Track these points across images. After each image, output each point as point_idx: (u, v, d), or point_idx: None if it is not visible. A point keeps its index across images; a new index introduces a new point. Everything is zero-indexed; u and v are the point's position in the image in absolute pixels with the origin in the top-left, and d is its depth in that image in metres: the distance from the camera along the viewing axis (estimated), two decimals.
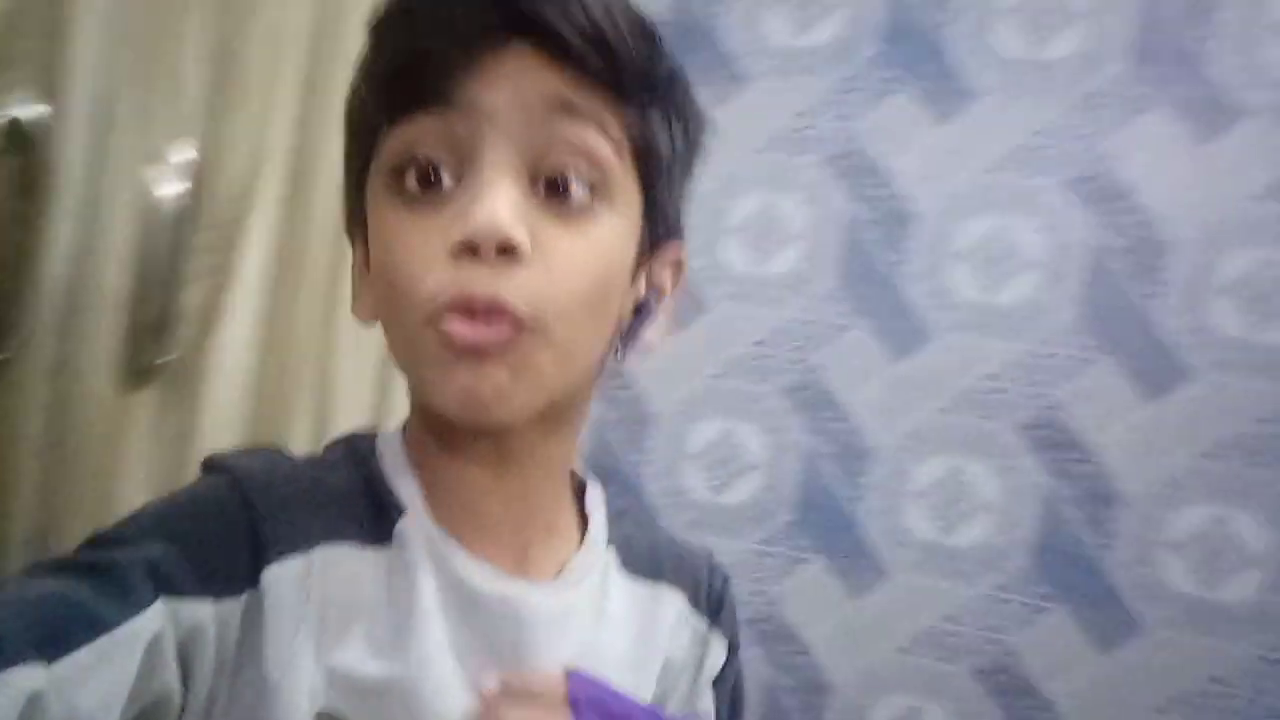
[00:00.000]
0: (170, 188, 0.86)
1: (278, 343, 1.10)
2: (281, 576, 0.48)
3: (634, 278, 0.54)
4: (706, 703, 0.64)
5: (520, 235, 0.46)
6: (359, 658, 0.49)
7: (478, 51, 0.47)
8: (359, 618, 0.50)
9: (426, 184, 0.48)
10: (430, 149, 0.48)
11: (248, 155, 1.00)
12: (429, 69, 0.47)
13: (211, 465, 0.52)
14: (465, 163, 0.48)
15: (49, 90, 0.78)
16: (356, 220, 0.54)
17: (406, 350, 0.50)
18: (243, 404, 1.06)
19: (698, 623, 0.64)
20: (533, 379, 0.48)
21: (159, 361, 0.95)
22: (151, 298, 0.91)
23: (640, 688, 0.58)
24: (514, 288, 0.47)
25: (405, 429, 0.58)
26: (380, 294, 0.51)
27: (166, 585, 0.44)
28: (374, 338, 0.56)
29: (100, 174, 0.83)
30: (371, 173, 0.51)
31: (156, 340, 0.94)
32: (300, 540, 0.49)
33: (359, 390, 1.22)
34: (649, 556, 0.63)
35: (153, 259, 0.88)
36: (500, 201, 0.46)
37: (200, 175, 0.93)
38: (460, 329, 0.46)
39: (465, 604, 0.52)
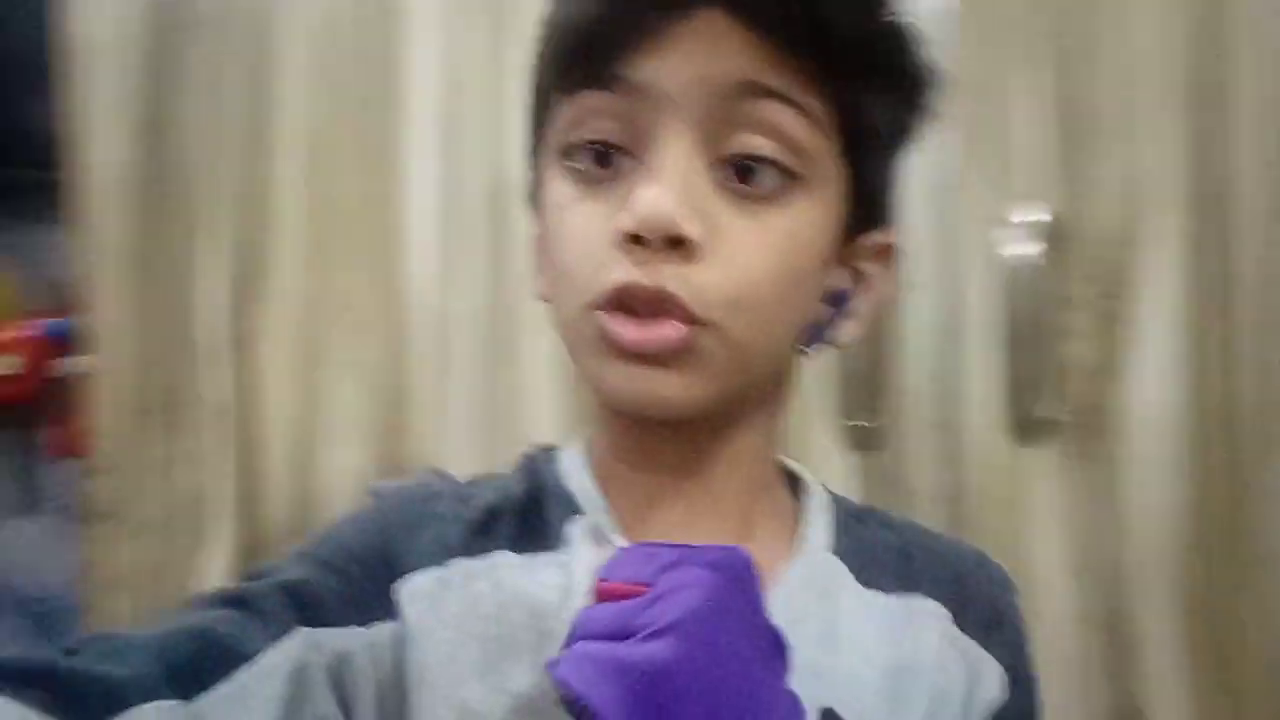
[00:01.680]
0: (1025, 247, 0.98)
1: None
2: (413, 594, 0.46)
3: (832, 265, 0.49)
4: None
5: (691, 227, 0.42)
6: (521, 674, 0.43)
7: (657, 24, 0.43)
8: (525, 630, 0.45)
9: (599, 162, 0.45)
10: (603, 127, 0.45)
11: (1118, 200, 1.02)
12: (602, 44, 0.43)
13: (372, 493, 0.54)
14: (640, 141, 0.44)
15: None
16: (535, 191, 0.51)
17: (569, 333, 0.47)
18: (1169, 456, 1.02)
19: (966, 645, 0.50)
20: (703, 378, 0.45)
21: (1049, 416, 1.03)
22: (1023, 356, 1.02)
23: None
24: (684, 282, 0.43)
25: (591, 436, 0.55)
26: (550, 272, 0.49)
27: (309, 608, 0.43)
28: None
29: (950, 241, 0.99)
30: (545, 144, 0.48)
31: (1039, 396, 1.04)
32: (437, 553, 0.47)
33: None
34: (899, 563, 0.53)
35: (1018, 318, 0.99)
36: (669, 189, 0.42)
37: (1061, 229, 1.01)
38: (622, 329, 0.43)
39: None
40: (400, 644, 0.44)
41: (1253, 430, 1.05)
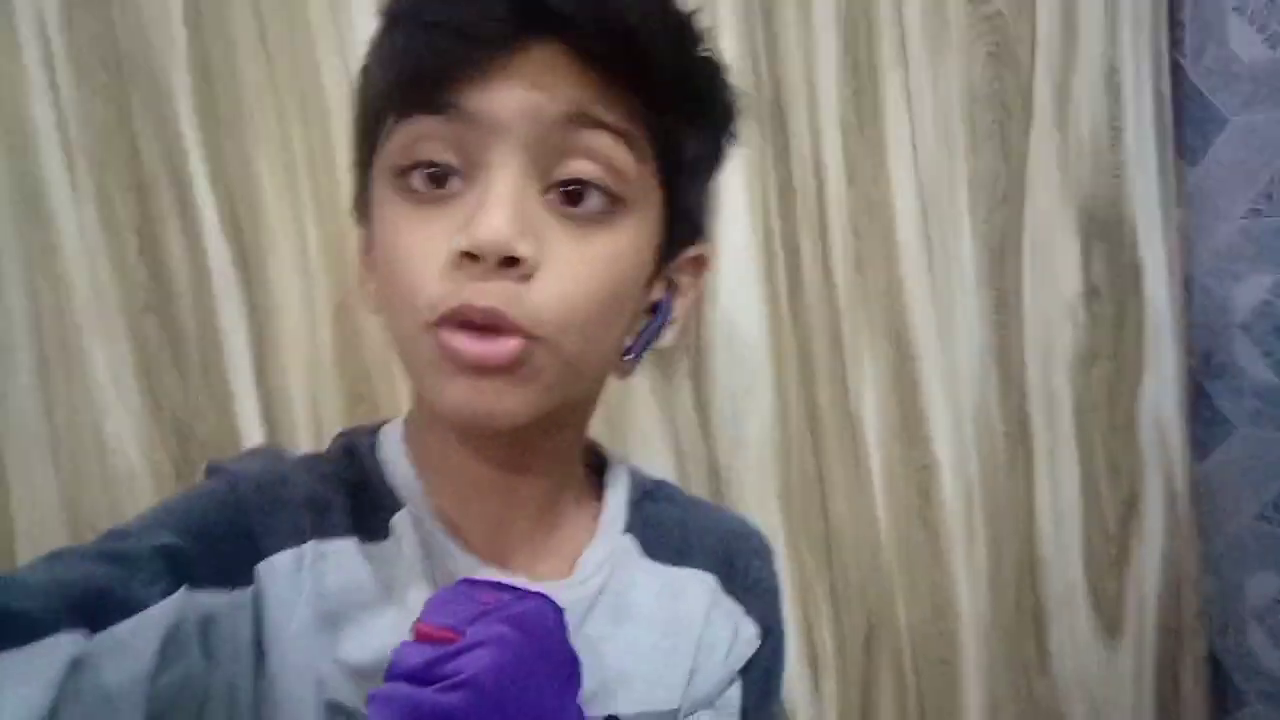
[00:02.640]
0: None
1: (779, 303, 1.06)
2: (274, 570, 0.48)
3: (651, 280, 0.52)
4: (733, 692, 0.59)
5: (525, 248, 0.44)
6: (360, 649, 0.48)
7: (490, 56, 0.44)
8: (357, 610, 0.49)
9: (433, 183, 0.46)
10: (436, 151, 0.46)
11: None
12: (438, 72, 0.44)
13: (211, 470, 0.53)
14: (474, 164, 0.46)
15: None
16: (362, 202, 0.52)
17: (405, 351, 0.49)
18: (751, 363, 1.08)
19: (731, 606, 0.59)
20: (536, 390, 0.46)
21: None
22: None
23: (672, 683, 0.54)
24: (518, 300, 0.44)
25: (407, 421, 0.57)
26: (382, 288, 0.50)
27: (183, 573, 0.44)
28: None
29: None
30: (377, 162, 0.49)
31: None
32: (291, 536, 0.49)
33: None
34: (678, 537, 0.59)
35: None
36: (505, 211, 0.44)
37: None
38: (461, 344, 0.45)
39: None
40: (258, 612, 0.47)
41: (820, 322, 1.14)
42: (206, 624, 0.45)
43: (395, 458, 0.55)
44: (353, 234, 0.57)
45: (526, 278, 0.45)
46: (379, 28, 0.48)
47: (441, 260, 0.45)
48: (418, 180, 0.46)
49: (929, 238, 1.17)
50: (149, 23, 0.89)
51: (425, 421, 0.54)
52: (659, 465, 1.08)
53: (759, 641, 0.60)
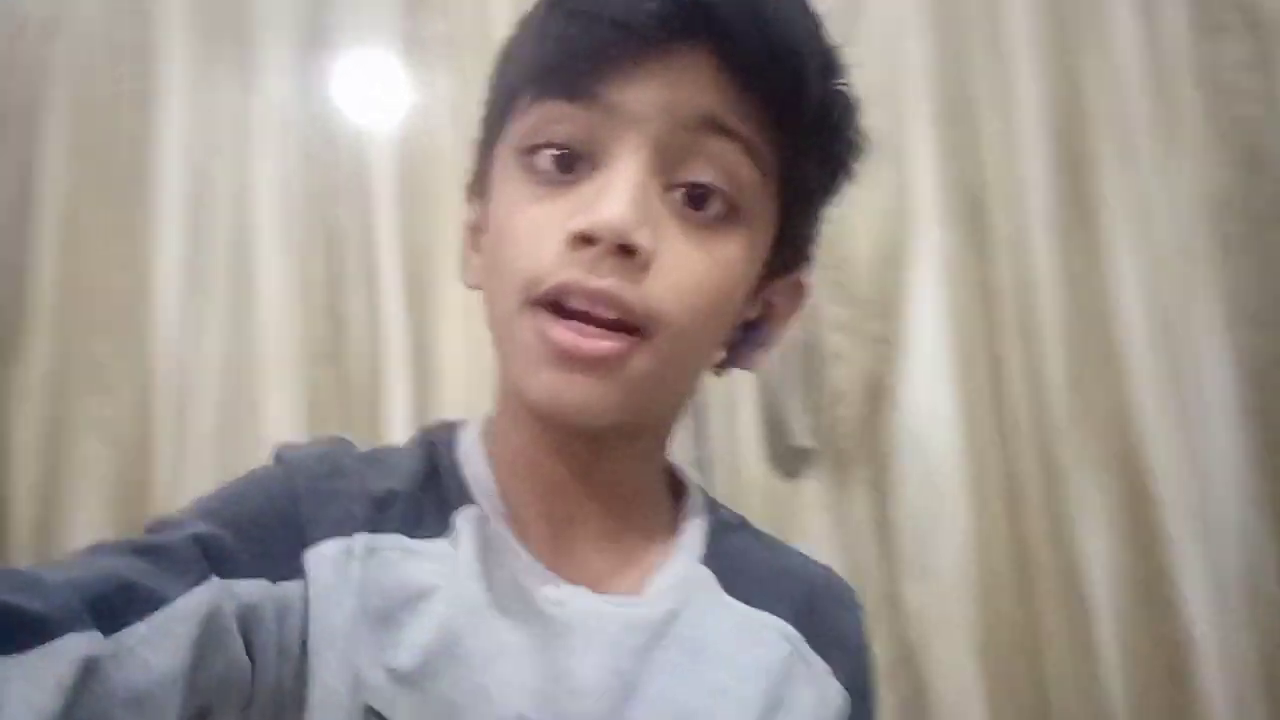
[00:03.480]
0: None
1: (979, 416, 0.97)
2: (321, 558, 0.47)
3: (752, 296, 0.52)
4: None
5: (643, 238, 0.44)
6: (402, 652, 0.46)
7: (639, 51, 0.44)
8: (403, 611, 0.47)
9: (560, 165, 0.46)
10: (568, 135, 0.46)
11: (887, 215, 1.00)
12: (583, 61, 0.45)
13: (276, 455, 0.52)
14: (602, 152, 0.46)
15: None
16: (479, 181, 0.53)
17: (502, 328, 0.48)
18: (943, 482, 0.97)
19: (815, 663, 0.53)
20: (628, 389, 0.46)
21: (808, 445, 0.99)
22: (777, 394, 0.98)
23: None
24: (630, 288, 0.44)
25: (488, 419, 0.56)
26: (489, 263, 0.49)
27: (220, 562, 0.43)
28: None
29: None
30: (504, 138, 0.49)
31: (801, 425, 0.99)
32: (341, 526, 0.48)
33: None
34: (760, 578, 0.55)
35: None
36: (628, 199, 0.44)
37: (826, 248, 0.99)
38: (559, 334, 0.44)
39: (521, 609, 0.48)
40: (306, 605, 0.45)
41: (1029, 442, 0.98)
42: (248, 616, 0.43)
43: (472, 454, 0.53)
44: None
45: (640, 270, 0.44)
46: (534, 8, 0.49)
47: (556, 241, 0.45)
48: (543, 161, 0.46)
49: (1166, 357, 1.00)
50: None
51: (509, 415, 0.52)
52: None
53: (847, 708, 0.54)
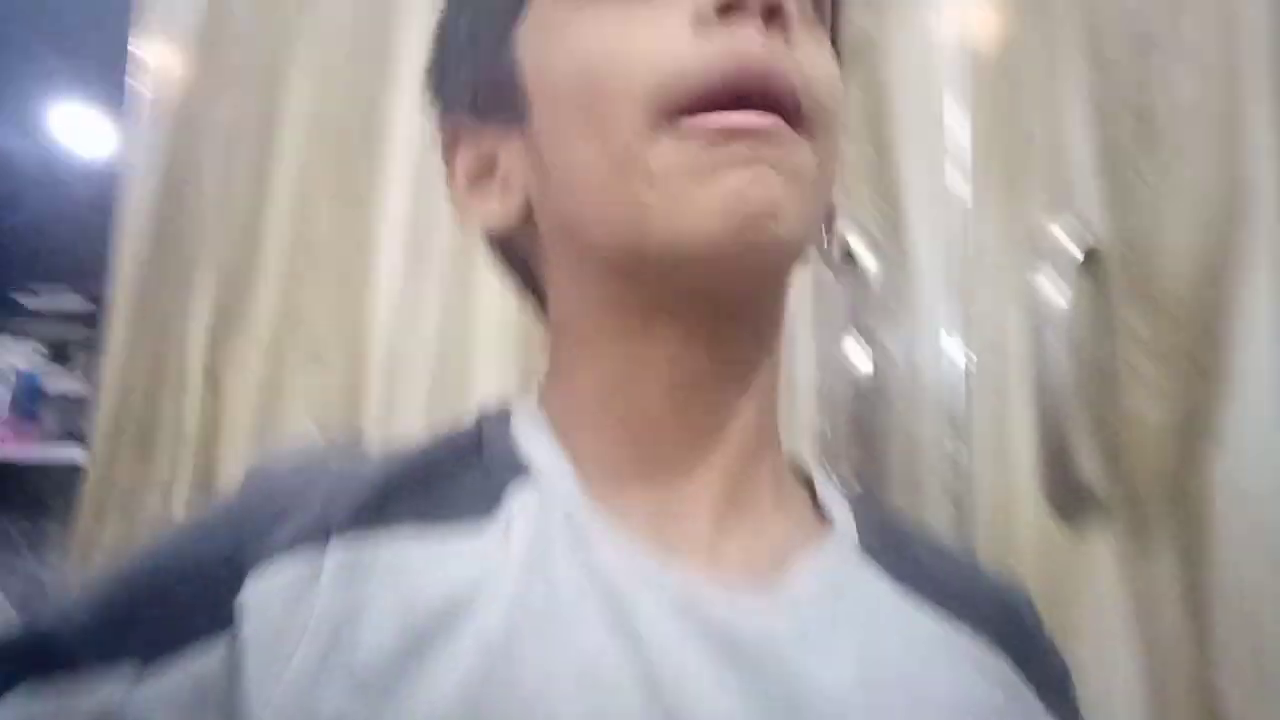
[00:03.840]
0: (1059, 284, 0.80)
1: None
2: (263, 596, 0.35)
3: None
4: None
5: (790, 2, 0.38)
6: (431, 697, 0.33)
7: None
8: (425, 640, 0.34)
9: None
10: None
11: (1213, 210, 0.82)
12: None
13: (245, 472, 0.44)
14: None
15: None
16: (492, 86, 0.44)
17: (616, 178, 0.38)
18: (1277, 550, 0.78)
19: (1030, 701, 0.41)
20: (807, 194, 0.38)
21: (1097, 489, 0.82)
22: (1059, 417, 0.82)
23: None
24: (794, 65, 0.38)
25: (544, 387, 0.46)
26: (567, 126, 0.40)
27: (82, 653, 0.35)
28: None
29: (970, 272, 0.83)
30: None
31: (1091, 466, 0.83)
32: (305, 537, 0.36)
33: None
34: (938, 577, 0.42)
35: (1049, 371, 0.81)
36: None
37: (1108, 263, 0.84)
38: (734, 118, 0.36)
39: (611, 608, 0.35)
40: (236, 670, 0.34)
41: None
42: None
43: (529, 419, 0.43)
44: None
45: (788, 42, 0.38)
46: None
47: (680, 27, 0.37)
48: None
49: None
50: None
51: (583, 343, 0.42)
52: (1122, 674, 0.77)
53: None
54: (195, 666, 0.34)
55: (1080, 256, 0.80)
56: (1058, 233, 0.80)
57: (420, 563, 0.36)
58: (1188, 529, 0.79)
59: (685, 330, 0.39)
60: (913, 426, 0.84)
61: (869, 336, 0.82)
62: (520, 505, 0.37)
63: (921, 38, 0.87)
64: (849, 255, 0.82)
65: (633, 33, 0.38)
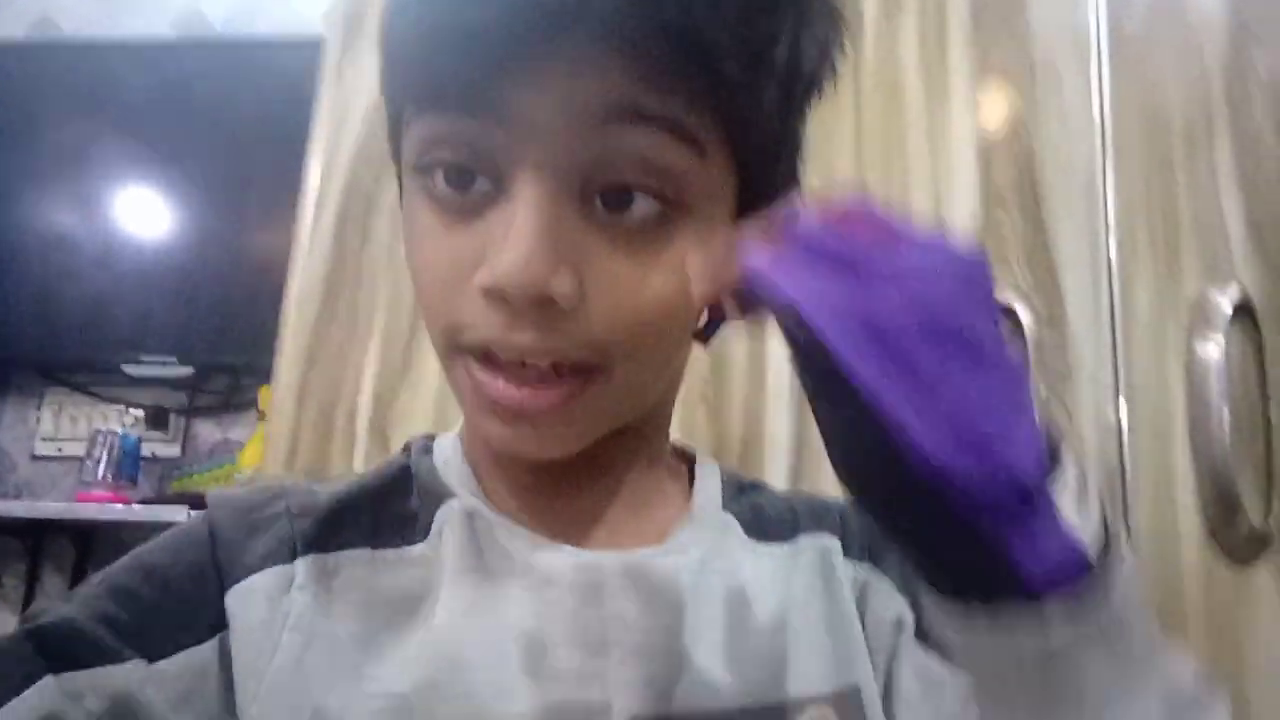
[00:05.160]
0: (1214, 340, 0.86)
1: None
2: (248, 597, 0.42)
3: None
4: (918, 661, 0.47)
5: (560, 285, 0.37)
6: (399, 673, 0.41)
7: (519, 50, 0.37)
8: (389, 629, 0.42)
9: (458, 185, 0.40)
10: (460, 153, 0.39)
11: None
12: (454, 65, 0.37)
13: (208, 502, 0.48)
14: (501, 169, 0.39)
15: None
16: (398, 169, 0.46)
17: (443, 365, 0.43)
18: None
19: (856, 570, 0.51)
20: (588, 425, 0.42)
21: (1263, 530, 0.87)
22: (1215, 464, 0.86)
23: (823, 661, 0.46)
24: (560, 334, 0.39)
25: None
26: (414, 283, 0.43)
27: (71, 653, 0.38)
28: None
29: (1127, 329, 0.88)
30: (402, 149, 0.43)
31: (1252, 504, 0.87)
32: (274, 555, 0.43)
33: None
34: (785, 519, 0.52)
35: (1209, 415, 0.85)
36: (533, 242, 0.37)
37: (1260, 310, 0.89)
38: (496, 390, 0.39)
39: (532, 588, 0.44)
40: (229, 659, 0.41)
41: None
42: (120, 705, 0.38)
43: (451, 454, 0.49)
44: None
45: (567, 315, 0.38)
46: (387, 5, 0.41)
47: (471, 286, 0.39)
48: (440, 181, 0.40)
49: None
50: None
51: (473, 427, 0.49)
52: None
53: (904, 594, 0.50)
54: (193, 662, 0.40)
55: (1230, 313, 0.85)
56: (1211, 294, 0.86)
57: (377, 568, 0.44)
58: None
59: (528, 463, 0.46)
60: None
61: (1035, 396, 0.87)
62: (448, 522, 0.45)
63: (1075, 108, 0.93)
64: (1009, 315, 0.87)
65: (440, 270, 0.40)
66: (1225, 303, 0.85)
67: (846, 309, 0.31)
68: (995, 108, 0.92)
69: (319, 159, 1.18)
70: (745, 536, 0.50)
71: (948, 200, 0.92)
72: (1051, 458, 0.32)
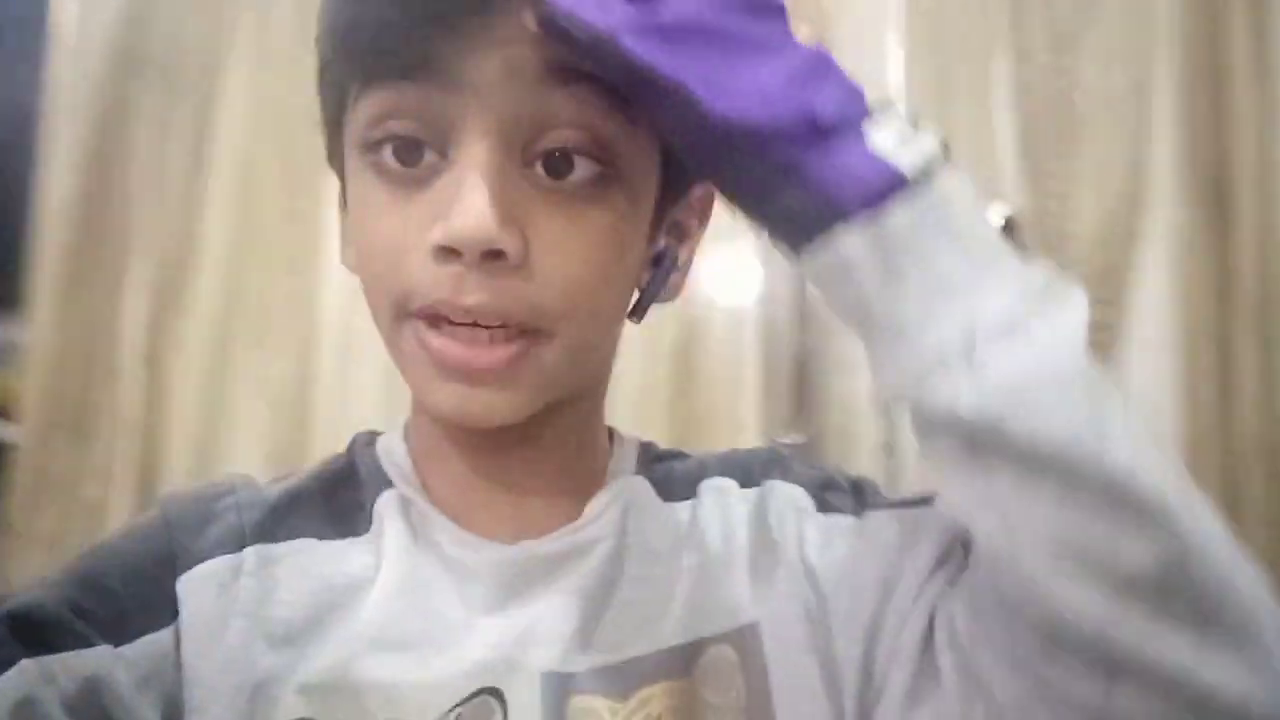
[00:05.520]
0: None
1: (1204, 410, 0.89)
2: (198, 583, 0.44)
3: (654, 233, 0.47)
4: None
5: (509, 240, 0.40)
6: (338, 654, 0.43)
7: (466, 17, 0.40)
8: (332, 614, 0.44)
9: (405, 159, 0.42)
10: (407, 124, 0.41)
11: (1118, 189, 0.91)
12: (401, 33, 0.40)
13: (158, 500, 0.50)
14: (448, 137, 0.41)
15: None
16: (336, 159, 0.47)
17: (388, 339, 0.44)
18: None
19: (758, 491, 0.52)
20: (536, 387, 0.43)
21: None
22: None
23: (738, 595, 0.48)
24: (509, 292, 0.40)
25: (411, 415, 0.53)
26: (357, 263, 0.45)
27: (44, 638, 0.40)
28: None
29: None
30: (346, 132, 0.45)
31: None
32: (224, 544, 0.45)
33: None
34: (694, 477, 0.53)
35: None
36: (484, 199, 0.39)
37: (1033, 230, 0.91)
38: (446, 348, 0.41)
39: (462, 579, 0.46)
40: (178, 647, 0.42)
41: (1257, 441, 0.90)
42: (90, 692, 0.40)
43: (392, 447, 0.51)
44: None
45: (514, 272, 0.40)
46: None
47: (420, 253, 0.40)
48: (388, 156, 0.42)
49: None
50: None
51: (416, 407, 0.50)
52: None
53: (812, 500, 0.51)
54: (155, 646, 0.42)
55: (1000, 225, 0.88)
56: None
57: (321, 556, 0.46)
58: None
59: (467, 437, 0.48)
60: None
61: None
62: (388, 511, 0.47)
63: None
64: None
65: (389, 240, 0.42)
66: (993, 219, 0.88)
67: (639, 23, 0.37)
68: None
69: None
70: (655, 497, 0.52)
71: None
72: (876, 111, 0.38)
